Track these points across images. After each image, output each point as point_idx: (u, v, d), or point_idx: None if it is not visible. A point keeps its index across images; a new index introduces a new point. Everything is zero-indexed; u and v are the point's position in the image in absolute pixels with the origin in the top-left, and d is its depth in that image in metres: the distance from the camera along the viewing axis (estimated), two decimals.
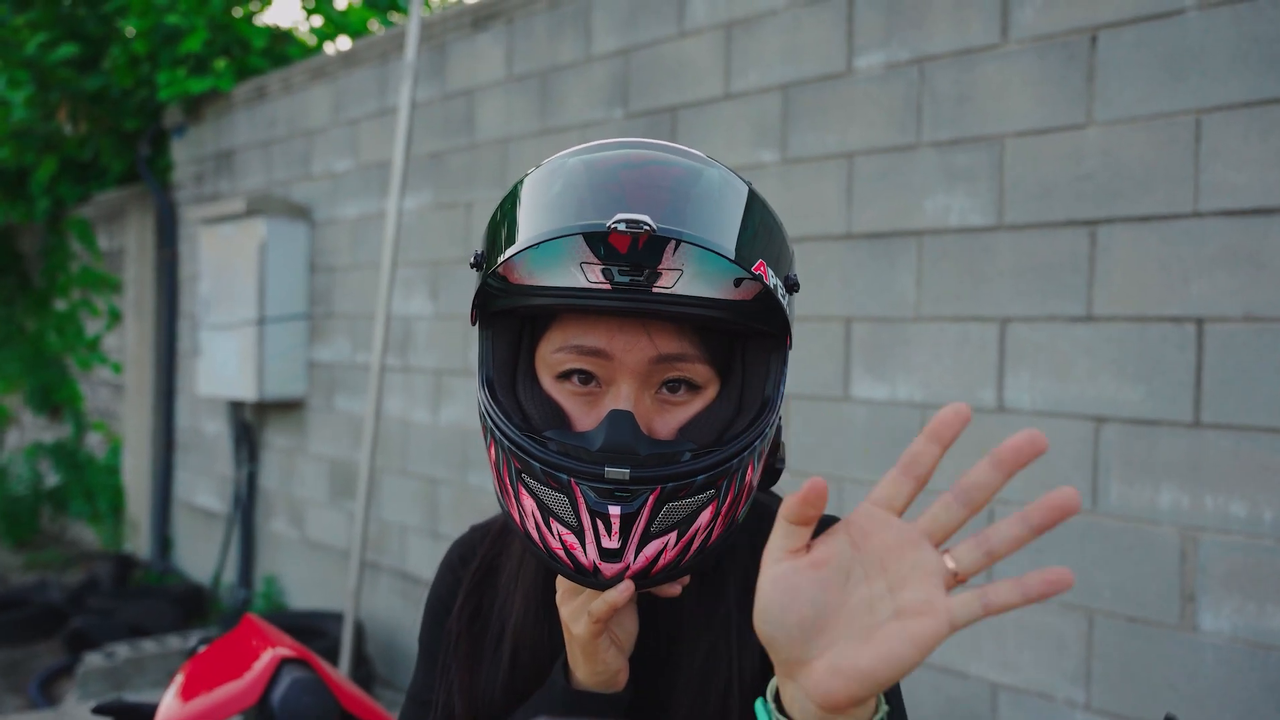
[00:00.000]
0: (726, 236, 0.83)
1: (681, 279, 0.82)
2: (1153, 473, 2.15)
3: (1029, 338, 2.35)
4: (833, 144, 2.72)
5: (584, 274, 0.82)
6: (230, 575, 5.41)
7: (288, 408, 5.01)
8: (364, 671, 3.99)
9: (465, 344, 3.93)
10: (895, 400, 2.59)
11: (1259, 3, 2.01)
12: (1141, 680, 2.16)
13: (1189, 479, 2.11)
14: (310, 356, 4.88)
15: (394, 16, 6.77)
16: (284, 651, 1.50)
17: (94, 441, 7.30)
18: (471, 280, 3.93)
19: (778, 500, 1.09)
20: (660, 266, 0.81)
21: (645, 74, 3.24)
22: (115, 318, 6.85)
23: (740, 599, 0.98)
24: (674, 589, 0.92)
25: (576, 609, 0.91)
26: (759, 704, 0.72)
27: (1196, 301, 2.10)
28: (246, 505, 5.28)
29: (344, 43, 6.34)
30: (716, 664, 0.95)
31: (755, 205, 0.89)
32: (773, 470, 0.99)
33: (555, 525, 0.86)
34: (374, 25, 6.67)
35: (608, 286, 0.82)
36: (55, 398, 7.71)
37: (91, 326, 7.21)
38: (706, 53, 3.04)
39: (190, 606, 5.32)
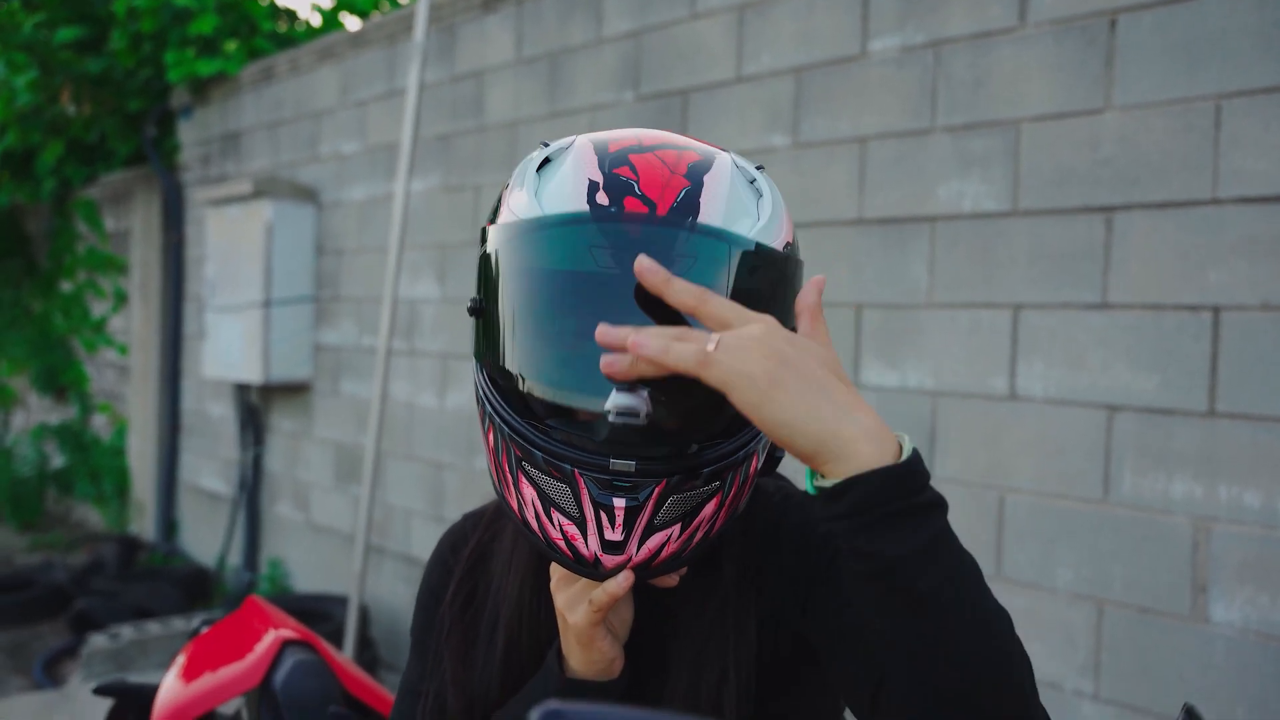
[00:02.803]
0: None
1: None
2: (1166, 463, 2.13)
3: (1042, 325, 2.32)
4: (845, 128, 2.69)
5: (595, 260, 0.80)
6: (235, 558, 5.41)
7: (293, 391, 4.99)
8: (368, 655, 3.99)
9: (472, 328, 3.91)
10: (906, 388, 2.56)
11: None
12: (1152, 672, 2.14)
13: (1203, 469, 2.08)
14: (316, 339, 4.87)
15: None
16: (287, 633, 1.49)
17: (99, 423, 7.30)
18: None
19: (778, 480, 1.07)
20: (673, 254, 0.79)
21: (656, 56, 3.21)
22: (121, 299, 6.84)
23: (737, 584, 0.96)
24: (671, 579, 0.91)
25: (572, 597, 0.89)
26: (807, 471, 0.75)
27: (1213, 290, 2.07)
28: (252, 488, 5.27)
29: (352, 23, 6.31)
30: (711, 651, 0.94)
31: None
32: (773, 458, 0.98)
33: (556, 515, 0.84)
34: (383, 6, 6.63)
35: (619, 274, 0.79)
36: (61, 379, 7.71)
37: (97, 308, 7.21)
38: (719, 35, 3.01)
39: (195, 589, 5.32)
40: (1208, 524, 2.07)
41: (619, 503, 0.81)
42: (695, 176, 0.83)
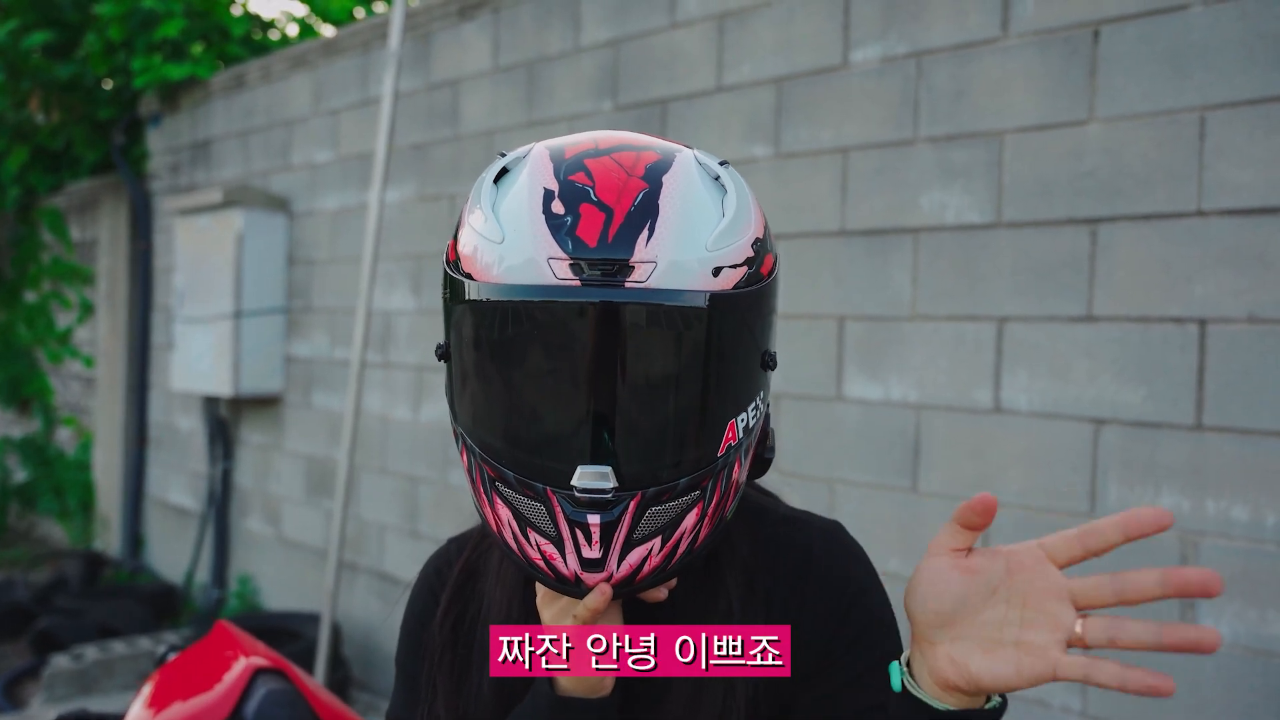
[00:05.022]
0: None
1: (655, 272, 0.78)
2: (1153, 476, 2.11)
3: (1027, 338, 2.30)
4: (827, 139, 2.67)
5: (552, 271, 0.78)
6: (203, 574, 5.30)
7: (264, 403, 4.91)
8: (340, 674, 3.91)
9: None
10: (889, 400, 2.54)
11: None
12: None
13: (1190, 483, 2.07)
14: (288, 351, 4.79)
15: (378, 6, 6.67)
16: (258, 661, 1.44)
17: (64, 437, 7.16)
18: None
19: (772, 496, 1.06)
20: (633, 260, 0.78)
21: (635, 65, 3.18)
22: (87, 310, 6.71)
23: (743, 593, 0.94)
24: (659, 593, 0.90)
25: (557, 614, 0.88)
26: (893, 666, 0.81)
27: (1199, 302, 2.06)
28: (220, 503, 5.17)
29: (327, 31, 6.24)
30: None
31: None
32: (762, 460, 0.95)
33: (533, 535, 0.82)
34: (359, 14, 6.57)
35: (577, 283, 0.78)
36: (24, 391, 7.56)
37: (63, 319, 7.07)
38: (698, 44, 2.98)
39: (162, 606, 5.20)
40: (1195, 538, 2.06)
41: (594, 519, 0.79)
42: (653, 177, 0.82)
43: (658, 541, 0.82)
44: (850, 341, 2.62)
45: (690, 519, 0.83)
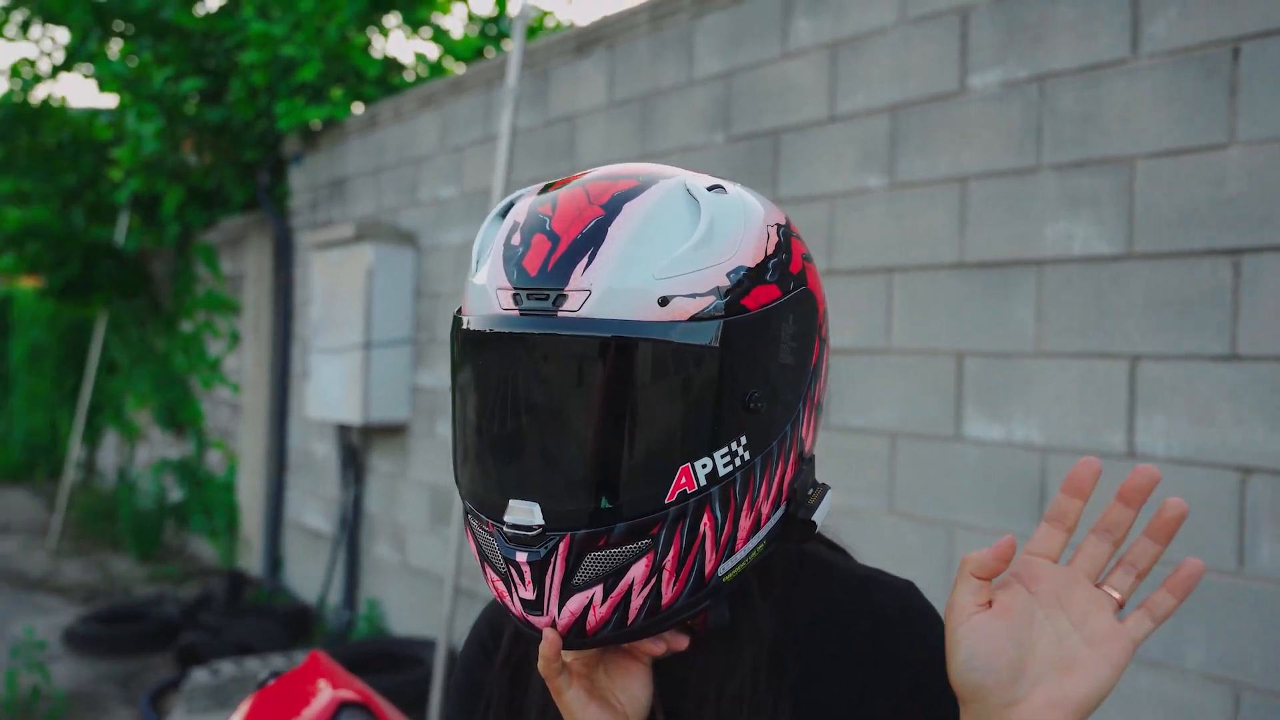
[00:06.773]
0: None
1: (589, 300, 0.74)
2: None
3: (1163, 377, 2.14)
4: (944, 168, 2.56)
5: (498, 301, 0.77)
6: (335, 597, 5.48)
7: (391, 432, 5.05)
8: None
9: None
10: (1012, 442, 2.40)
11: None
12: None
13: None
14: (414, 381, 4.92)
15: (506, 44, 6.85)
16: (345, 694, 1.45)
17: (214, 460, 7.55)
18: None
19: (843, 553, 0.99)
20: (567, 289, 0.75)
21: (747, 97, 3.14)
22: (235, 340, 7.09)
23: (766, 674, 0.86)
24: (655, 647, 0.83)
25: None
26: None
27: None
28: (352, 527, 5.34)
29: (457, 69, 6.44)
30: None
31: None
32: (803, 523, 0.84)
33: (489, 570, 0.80)
34: (489, 53, 6.76)
35: (517, 313, 0.76)
36: (179, 416, 8.02)
37: (214, 348, 7.49)
38: (811, 74, 2.92)
39: (296, 627, 5.40)
40: None
41: (521, 556, 0.76)
42: (615, 205, 0.77)
43: (599, 590, 0.75)
44: (969, 379, 2.50)
45: (639, 569, 0.75)
